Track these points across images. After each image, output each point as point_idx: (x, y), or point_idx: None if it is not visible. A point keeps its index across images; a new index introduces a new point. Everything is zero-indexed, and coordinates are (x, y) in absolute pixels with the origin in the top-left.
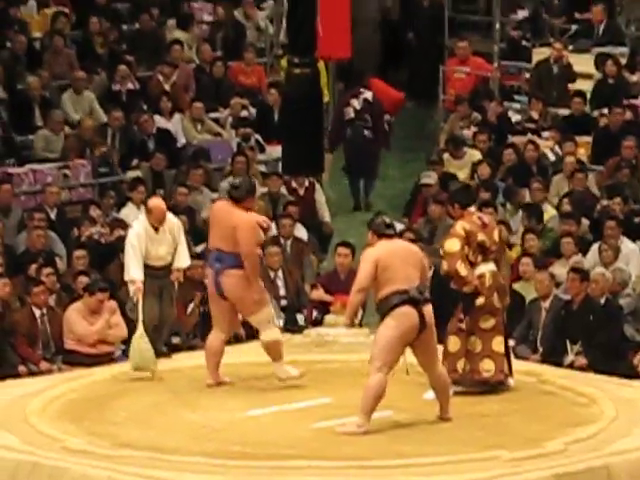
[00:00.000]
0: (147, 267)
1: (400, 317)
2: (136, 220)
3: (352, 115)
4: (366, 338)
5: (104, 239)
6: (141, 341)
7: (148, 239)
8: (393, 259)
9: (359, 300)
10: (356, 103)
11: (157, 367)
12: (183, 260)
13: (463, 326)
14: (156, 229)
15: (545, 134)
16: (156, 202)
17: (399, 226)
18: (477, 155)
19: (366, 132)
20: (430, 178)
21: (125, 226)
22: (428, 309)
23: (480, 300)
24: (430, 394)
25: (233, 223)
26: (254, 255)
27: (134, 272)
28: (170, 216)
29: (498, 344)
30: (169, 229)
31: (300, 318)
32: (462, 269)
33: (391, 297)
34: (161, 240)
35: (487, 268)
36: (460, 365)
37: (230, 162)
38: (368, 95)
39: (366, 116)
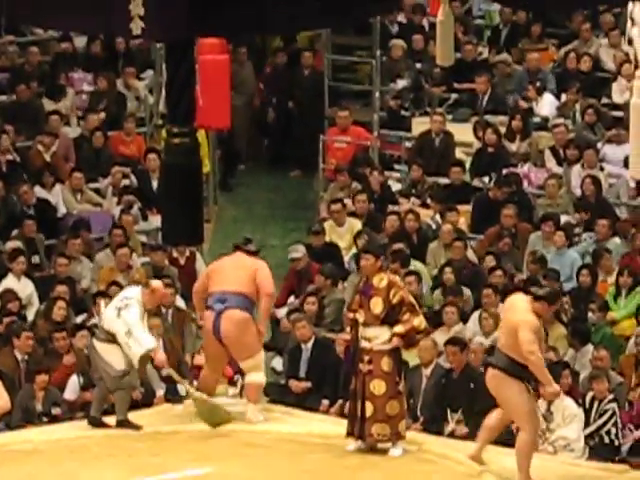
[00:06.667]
0: None
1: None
2: (134, 295)
3: None
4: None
5: None
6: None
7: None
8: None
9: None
10: None
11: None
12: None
13: None
14: (148, 310)
15: (426, 203)
16: (160, 285)
17: None
18: (358, 224)
19: None
20: (298, 252)
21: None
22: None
23: None
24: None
25: (253, 266)
26: (274, 296)
27: (152, 341)
28: None
29: None
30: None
31: (181, 388)
32: None
33: None
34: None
35: None
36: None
37: (108, 234)
38: None
39: None
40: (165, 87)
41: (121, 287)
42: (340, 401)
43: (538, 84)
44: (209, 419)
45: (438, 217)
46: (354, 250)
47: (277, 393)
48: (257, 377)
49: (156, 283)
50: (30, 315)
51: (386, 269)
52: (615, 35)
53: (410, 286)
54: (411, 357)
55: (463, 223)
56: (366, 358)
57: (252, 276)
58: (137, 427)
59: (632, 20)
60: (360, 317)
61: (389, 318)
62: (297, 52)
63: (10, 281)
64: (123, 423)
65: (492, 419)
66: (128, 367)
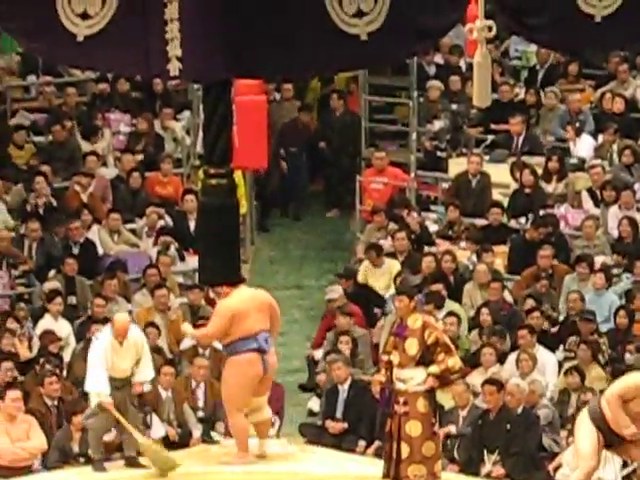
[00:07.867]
0: (109, 378)
1: None
2: (101, 332)
3: None
4: (281, 448)
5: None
6: (154, 447)
7: (113, 352)
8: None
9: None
10: None
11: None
12: (146, 373)
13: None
14: (120, 342)
15: (462, 244)
16: (120, 317)
17: None
18: (396, 265)
19: None
20: (334, 292)
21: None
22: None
23: None
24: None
25: (268, 301)
26: None
27: (103, 385)
28: (135, 330)
29: None
30: (133, 343)
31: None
32: None
33: None
34: (125, 353)
35: None
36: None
37: (142, 274)
38: None
39: None
40: (202, 128)
41: (157, 328)
42: (377, 442)
43: (577, 125)
44: (162, 466)
45: (474, 258)
46: (392, 291)
47: (314, 434)
48: (270, 412)
49: (117, 316)
50: (67, 356)
51: (421, 309)
52: None
53: (451, 327)
54: (446, 400)
55: (500, 264)
56: (402, 400)
57: (269, 312)
58: (103, 469)
59: None
60: (395, 358)
61: (424, 359)
62: (327, 95)
63: (47, 322)
64: (91, 460)
65: None
66: (94, 410)
